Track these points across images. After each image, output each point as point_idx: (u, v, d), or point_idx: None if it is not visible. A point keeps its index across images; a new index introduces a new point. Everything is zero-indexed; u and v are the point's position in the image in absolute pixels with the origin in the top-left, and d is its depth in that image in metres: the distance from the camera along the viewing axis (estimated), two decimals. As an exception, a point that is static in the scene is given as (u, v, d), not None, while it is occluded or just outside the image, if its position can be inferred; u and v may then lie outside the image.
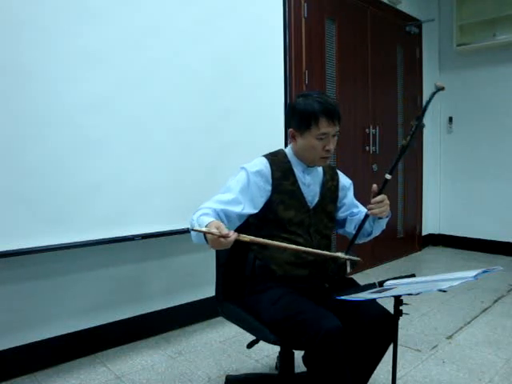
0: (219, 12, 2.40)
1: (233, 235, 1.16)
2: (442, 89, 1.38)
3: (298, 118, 1.45)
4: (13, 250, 1.77)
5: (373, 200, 1.42)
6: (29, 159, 1.80)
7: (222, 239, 1.14)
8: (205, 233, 1.18)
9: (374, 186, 1.44)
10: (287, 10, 2.81)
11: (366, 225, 1.53)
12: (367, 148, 3.73)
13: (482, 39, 4.05)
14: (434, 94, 1.37)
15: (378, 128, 3.78)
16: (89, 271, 2.16)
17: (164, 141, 2.23)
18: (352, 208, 1.64)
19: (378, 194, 1.43)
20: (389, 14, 3.94)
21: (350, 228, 1.60)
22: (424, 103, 1.38)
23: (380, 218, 1.50)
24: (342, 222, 1.65)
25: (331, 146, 1.45)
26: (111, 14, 2.01)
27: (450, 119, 4.43)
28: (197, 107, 2.34)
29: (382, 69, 3.87)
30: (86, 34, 1.93)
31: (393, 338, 1.26)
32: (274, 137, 2.73)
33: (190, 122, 2.32)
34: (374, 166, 3.76)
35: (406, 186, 4.23)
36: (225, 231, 1.15)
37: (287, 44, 2.80)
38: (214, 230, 1.14)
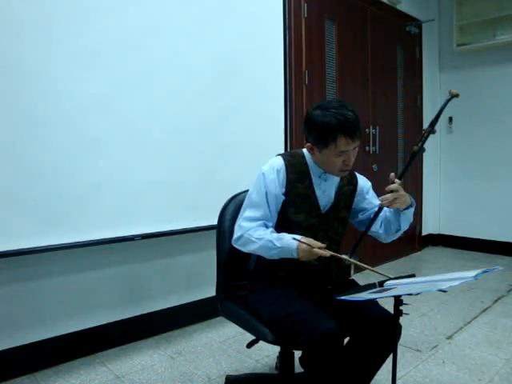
0: (219, 12, 2.41)
1: (326, 251, 1.30)
2: (457, 96, 1.36)
3: (315, 134, 1.39)
4: (13, 250, 1.77)
5: (386, 188, 1.41)
6: (28, 159, 1.80)
7: (317, 250, 1.28)
8: (308, 244, 1.31)
9: (392, 174, 1.44)
10: (287, 10, 2.81)
11: (393, 222, 1.52)
12: (367, 148, 3.72)
13: (482, 39, 4.05)
14: (448, 100, 1.35)
15: (378, 128, 3.78)
16: (89, 271, 2.16)
17: (164, 141, 2.23)
18: (374, 209, 1.58)
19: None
20: (389, 14, 3.93)
21: (376, 227, 1.56)
22: (437, 110, 1.37)
23: (406, 209, 1.49)
24: (366, 223, 1.60)
25: (351, 161, 1.42)
26: (111, 14, 2.01)
27: (450, 119, 4.42)
28: (197, 107, 2.34)
29: (381, 69, 3.87)
30: (86, 33, 1.93)
31: (394, 338, 1.25)
32: (274, 137, 2.73)
33: (190, 122, 2.32)
34: (374, 166, 3.75)
35: (406, 186, 4.20)
36: (319, 244, 1.31)
37: (287, 44, 2.80)
38: (313, 242, 1.31)
